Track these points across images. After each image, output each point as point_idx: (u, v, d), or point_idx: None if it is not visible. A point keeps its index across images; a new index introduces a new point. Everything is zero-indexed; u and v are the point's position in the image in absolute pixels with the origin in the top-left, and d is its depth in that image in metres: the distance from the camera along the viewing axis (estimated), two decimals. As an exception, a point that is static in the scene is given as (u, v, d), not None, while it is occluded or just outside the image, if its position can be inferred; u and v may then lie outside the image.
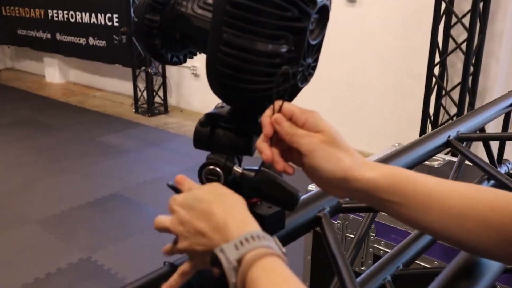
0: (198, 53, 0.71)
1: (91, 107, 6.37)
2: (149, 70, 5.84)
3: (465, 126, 1.32)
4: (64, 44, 6.91)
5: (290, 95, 0.62)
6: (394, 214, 0.59)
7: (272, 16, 0.55)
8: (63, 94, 7.09)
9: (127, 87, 6.60)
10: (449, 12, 3.65)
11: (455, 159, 2.00)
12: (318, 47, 0.62)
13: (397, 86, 4.25)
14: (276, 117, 0.59)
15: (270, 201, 0.66)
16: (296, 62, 0.59)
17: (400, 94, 4.25)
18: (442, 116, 3.94)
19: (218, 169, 0.66)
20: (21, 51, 8.33)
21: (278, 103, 0.59)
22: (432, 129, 3.92)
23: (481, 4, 3.52)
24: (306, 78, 0.63)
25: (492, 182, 1.63)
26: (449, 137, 1.21)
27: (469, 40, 3.52)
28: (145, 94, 6.07)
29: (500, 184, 1.11)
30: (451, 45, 3.75)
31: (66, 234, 3.18)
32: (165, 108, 6.11)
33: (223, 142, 0.67)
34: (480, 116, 1.41)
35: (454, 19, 3.65)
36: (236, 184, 0.68)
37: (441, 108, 3.91)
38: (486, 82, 3.83)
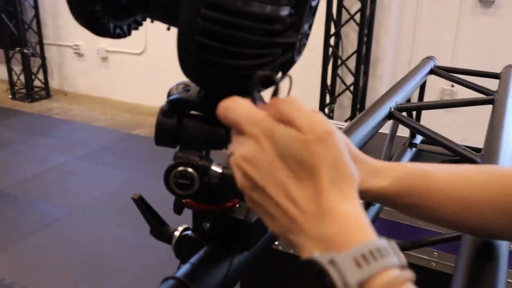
0: (148, 21, 0.54)
1: (-43, 96, 5.62)
2: (26, 50, 5.28)
3: (397, 97, 1.31)
4: None
5: (287, 70, 0.49)
6: (410, 213, 0.56)
7: (270, -33, 0.42)
8: None
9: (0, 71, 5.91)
10: (342, -17, 3.71)
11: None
12: (314, 11, 0.50)
13: (295, 58, 4.26)
14: None
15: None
16: (296, 29, 0.46)
17: (299, 65, 4.26)
18: (339, 86, 4.04)
19: (190, 169, 0.52)
20: None
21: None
22: (330, 99, 4.02)
23: (370, -25, 3.62)
24: (300, 50, 0.50)
25: (414, 149, 1.68)
26: (390, 108, 1.17)
27: (362, 10, 3.62)
28: (22, 77, 5.48)
29: (450, 151, 1.09)
30: (345, 16, 3.82)
31: None
32: (46, 92, 5.59)
33: (195, 135, 0.53)
34: (407, 86, 1.41)
35: (346, -10, 3.71)
36: (213, 187, 0.55)
37: (338, 77, 4.00)
38: (378, 51, 3.98)
